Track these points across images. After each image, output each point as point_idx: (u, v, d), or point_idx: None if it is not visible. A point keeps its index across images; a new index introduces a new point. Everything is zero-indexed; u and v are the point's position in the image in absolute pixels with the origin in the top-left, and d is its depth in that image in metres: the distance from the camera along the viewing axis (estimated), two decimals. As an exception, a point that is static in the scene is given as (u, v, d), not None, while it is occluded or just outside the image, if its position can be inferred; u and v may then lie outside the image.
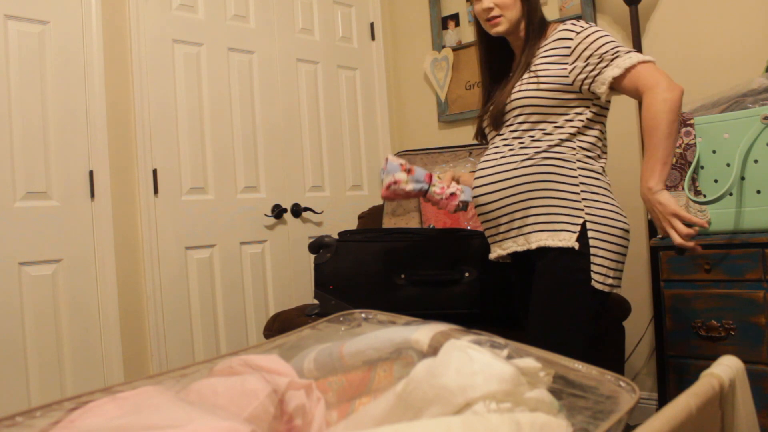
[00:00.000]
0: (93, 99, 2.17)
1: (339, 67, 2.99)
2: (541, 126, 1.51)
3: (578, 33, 1.48)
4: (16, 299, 1.97)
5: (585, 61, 1.46)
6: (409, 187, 1.64)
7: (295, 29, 2.82)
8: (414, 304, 1.96)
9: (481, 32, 1.68)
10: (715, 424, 0.78)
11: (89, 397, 0.80)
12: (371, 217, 2.74)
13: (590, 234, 1.45)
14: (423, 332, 0.88)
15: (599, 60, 1.45)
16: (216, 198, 2.48)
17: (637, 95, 1.44)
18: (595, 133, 1.52)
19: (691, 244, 1.37)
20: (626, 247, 1.52)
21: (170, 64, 2.38)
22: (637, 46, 2.35)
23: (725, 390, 0.77)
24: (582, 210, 1.47)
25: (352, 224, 2.83)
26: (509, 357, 0.78)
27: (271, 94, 2.69)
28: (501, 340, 0.82)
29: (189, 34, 2.44)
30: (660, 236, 1.91)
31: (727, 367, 0.80)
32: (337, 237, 2.14)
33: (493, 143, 1.62)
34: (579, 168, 1.49)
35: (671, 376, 1.88)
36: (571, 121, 1.50)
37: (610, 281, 1.47)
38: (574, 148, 1.50)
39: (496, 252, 1.60)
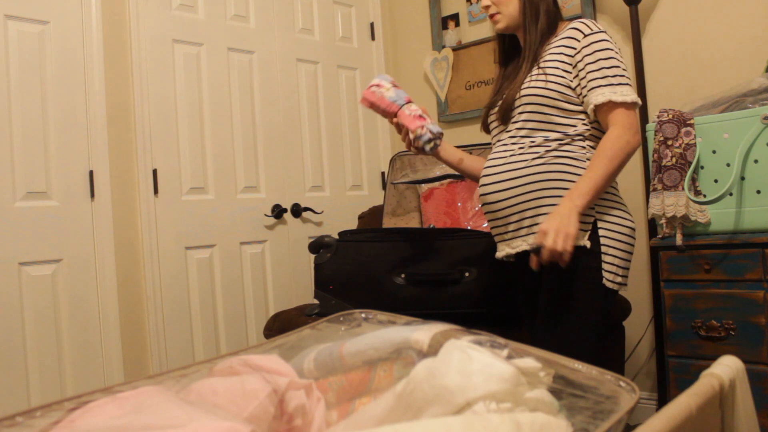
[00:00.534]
0: (93, 99, 2.17)
1: (339, 67, 2.99)
2: (550, 123, 1.51)
3: (585, 35, 1.48)
4: (16, 299, 1.97)
5: (583, 73, 1.47)
6: (389, 94, 1.63)
7: (295, 29, 2.82)
8: (414, 304, 1.96)
9: None
10: (715, 424, 0.78)
11: (89, 397, 0.80)
12: (371, 217, 2.74)
13: (601, 232, 1.46)
14: (423, 332, 0.88)
15: (592, 79, 1.46)
16: (216, 198, 2.48)
17: (607, 127, 1.47)
18: (604, 132, 1.52)
19: (539, 262, 1.41)
20: (633, 246, 1.53)
21: (170, 64, 2.38)
22: (637, 46, 2.35)
23: (725, 390, 0.77)
24: (593, 209, 1.47)
25: (352, 224, 2.83)
26: (509, 357, 0.78)
27: (271, 94, 2.69)
28: (501, 340, 0.82)
29: (189, 34, 2.44)
30: (660, 236, 1.91)
31: (727, 367, 0.80)
32: (337, 237, 2.14)
33: (500, 139, 1.61)
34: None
35: (671, 376, 1.88)
36: (581, 119, 1.50)
37: (619, 279, 1.48)
38: (584, 147, 1.50)
39: (504, 250, 1.60)
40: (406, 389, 0.75)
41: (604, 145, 1.43)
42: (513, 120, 1.56)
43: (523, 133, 1.53)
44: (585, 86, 1.47)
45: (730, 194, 1.79)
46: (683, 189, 1.83)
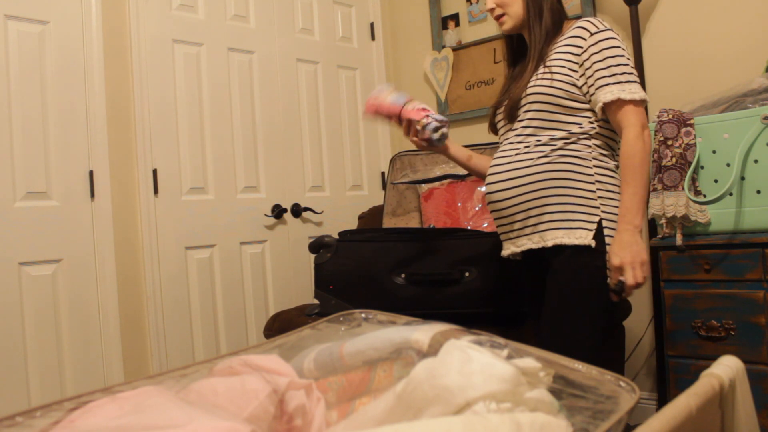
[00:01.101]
0: (93, 99, 2.17)
1: (339, 67, 2.99)
2: (556, 122, 1.51)
3: (592, 34, 1.48)
4: (16, 299, 1.97)
5: (591, 71, 1.47)
6: (390, 98, 1.66)
7: (295, 29, 2.82)
8: (414, 304, 1.96)
9: None
10: (715, 424, 0.78)
11: (89, 397, 0.81)
12: (371, 217, 2.74)
13: (606, 232, 1.46)
14: (423, 332, 0.88)
15: (600, 77, 1.46)
16: (216, 198, 2.48)
17: (617, 127, 1.48)
18: (610, 131, 1.52)
19: (629, 294, 1.43)
20: None
21: (170, 64, 2.38)
22: (637, 46, 2.35)
23: (725, 390, 0.77)
24: (598, 208, 1.47)
25: (352, 224, 2.83)
26: (509, 357, 0.78)
27: (271, 94, 2.69)
28: (501, 340, 0.82)
29: (189, 34, 2.44)
30: (660, 236, 1.91)
31: (727, 367, 0.80)
32: (337, 237, 2.14)
33: (506, 138, 1.61)
34: (595, 166, 1.49)
35: (671, 376, 1.88)
36: (587, 117, 1.50)
37: None
38: (589, 146, 1.50)
39: (510, 249, 1.60)
40: (406, 389, 0.75)
41: (627, 155, 1.43)
42: (519, 118, 1.56)
43: (528, 131, 1.53)
44: (593, 84, 1.47)
45: (730, 194, 1.79)
46: (683, 189, 1.83)
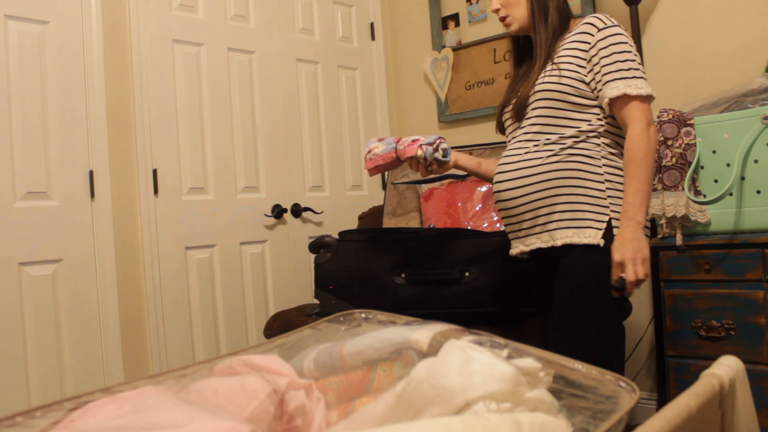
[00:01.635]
0: (93, 99, 2.17)
1: (339, 67, 2.99)
2: (565, 119, 1.50)
3: (599, 30, 1.48)
4: (16, 299, 1.97)
5: (598, 67, 1.47)
6: (379, 150, 1.71)
7: (295, 29, 2.82)
8: (414, 304, 1.96)
9: None
10: (715, 424, 0.78)
11: (89, 397, 0.81)
12: (371, 217, 2.74)
13: (616, 231, 1.45)
14: (423, 332, 0.88)
15: (607, 73, 1.45)
16: (216, 198, 2.48)
17: (623, 123, 1.47)
18: (619, 128, 1.52)
19: (630, 291, 1.42)
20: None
21: (170, 64, 2.38)
22: (637, 46, 2.34)
23: (725, 390, 0.77)
24: (607, 207, 1.47)
25: (352, 224, 2.83)
26: (509, 357, 0.78)
27: (271, 94, 2.69)
28: (501, 340, 0.82)
29: (189, 34, 2.44)
30: (660, 236, 1.91)
31: (727, 367, 0.80)
32: (337, 237, 2.14)
33: (514, 137, 1.60)
34: (604, 165, 1.49)
35: (671, 376, 1.88)
36: (596, 114, 1.50)
37: None
38: (599, 145, 1.50)
39: (518, 248, 1.60)
40: (406, 389, 0.75)
41: (632, 150, 1.42)
42: (527, 116, 1.56)
43: (536, 129, 1.53)
44: (600, 80, 1.46)
45: (730, 194, 1.79)
46: (683, 189, 1.83)
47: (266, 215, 2.63)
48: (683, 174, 1.84)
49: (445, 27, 3.06)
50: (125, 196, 2.25)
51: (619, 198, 1.48)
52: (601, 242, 1.45)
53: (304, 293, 2.70)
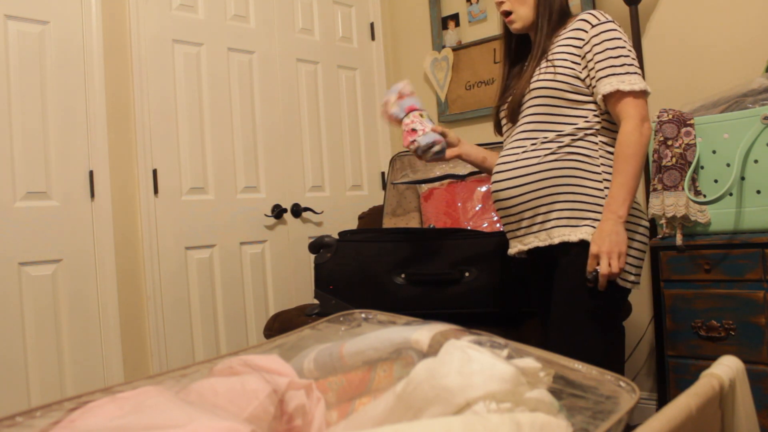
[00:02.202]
0: (93, 99, 2.17)
1: (339, 67, 2.99)
2: (561, 116, 1.50)
3: (593, 26, 1.47)
4: (16, 299, 1.97)
5: (592, 63, 1.46)
6: (393, 110, 1.72)
7: (295, 29, 2.82)
8: (414, 304, 1.96)
9: (505, 25, 1.67)
10: (715, 424, 0.78)
11: (89, 397, 0.81)
12: (371, 217, 2.74)
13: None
14: (423, 332, 0.88)
15: (600, 69, 1.45)
16: (216, 198, 2.48)
17: (617, 119, 1.46)
18: (616, 126, 1.52)
19: (602, 285, 1.41)
20: (647, 245, 1.53)
21: (170, 64, 2.38)
22: (637, 46, 2.35)
23: (725, 390, 0.77)
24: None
25: (352, 224, 2.83)
26: (509, 357, 0.78)
27: (271, 94, 2.69)
28: (501, 340, 0.82)
29: (189, 34, 2.44)
30: (660, 236, 1.91)
31: (727, 367, 0.80)
32: (337, 237, 2.14)
33: (512, 136, 1.60)
34: (602, 164, 1.49)
35: (671, 376, 1.88)
36: (592, 111, 1.50)
37: (632, 278, 1.47)
38: (596, 143, 1.49)
39: (516, 247, 1.59)
40: (406, 389, 0.75)
41: (622, 145, 1.42)
42: (523, 114, 1.55)
43: (533, 126, 1.52)
44: (594, 76, 1.46)
45: (730, 194, 1.79)
46: (683, 189, 1.83)
47: (266, 215, 2.63)
48: (683, 174, 1.84)
49: (445, 27, 3.06)
50: (125, 196, 2.25)
51: None
52: None
53: (304, 293, 2.70)
